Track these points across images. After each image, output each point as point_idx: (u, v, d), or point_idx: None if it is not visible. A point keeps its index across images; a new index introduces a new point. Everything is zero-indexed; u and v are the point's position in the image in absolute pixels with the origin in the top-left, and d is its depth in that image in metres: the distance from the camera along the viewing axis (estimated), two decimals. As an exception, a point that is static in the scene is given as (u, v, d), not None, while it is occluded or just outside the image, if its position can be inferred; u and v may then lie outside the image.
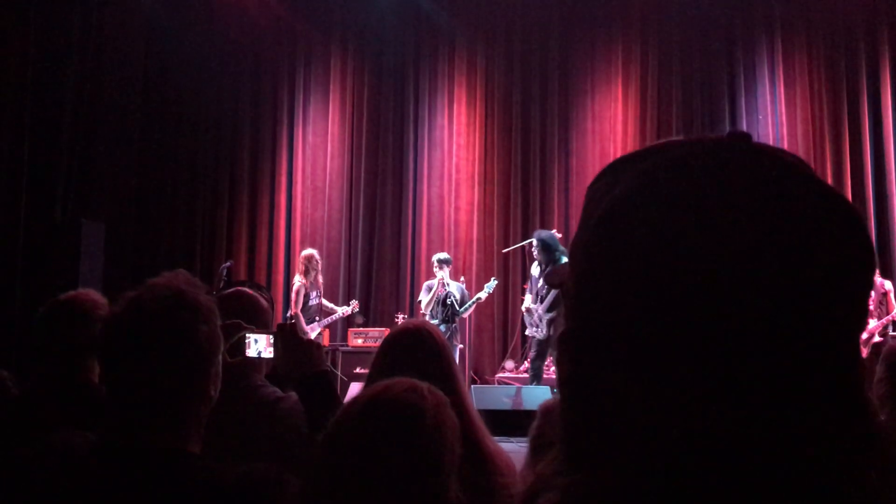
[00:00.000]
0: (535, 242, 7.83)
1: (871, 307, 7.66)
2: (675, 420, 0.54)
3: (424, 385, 1.37)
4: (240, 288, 2.51)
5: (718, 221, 0.54)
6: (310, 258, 8.56)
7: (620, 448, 0.55)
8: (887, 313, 7.60)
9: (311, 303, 8.48)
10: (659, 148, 0.62)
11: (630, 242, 0.57)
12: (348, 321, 9.81)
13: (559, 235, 8.18)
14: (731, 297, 0.53)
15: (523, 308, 8.22)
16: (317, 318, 8.56)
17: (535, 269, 8.12)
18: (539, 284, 7.85)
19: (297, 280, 8.55)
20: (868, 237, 0.58)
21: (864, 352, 7.56)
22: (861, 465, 0.54)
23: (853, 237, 0.57)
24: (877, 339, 7.54)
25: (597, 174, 0.64)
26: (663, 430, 0.54)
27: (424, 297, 8.28)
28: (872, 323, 7.60)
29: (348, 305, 8.93)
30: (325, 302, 8.77)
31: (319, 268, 8.64)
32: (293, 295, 8.46)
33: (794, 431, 0.53)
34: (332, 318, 8.85)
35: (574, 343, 0.60)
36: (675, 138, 0.62)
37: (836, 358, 0.55)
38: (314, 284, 8.51)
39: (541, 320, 7.71)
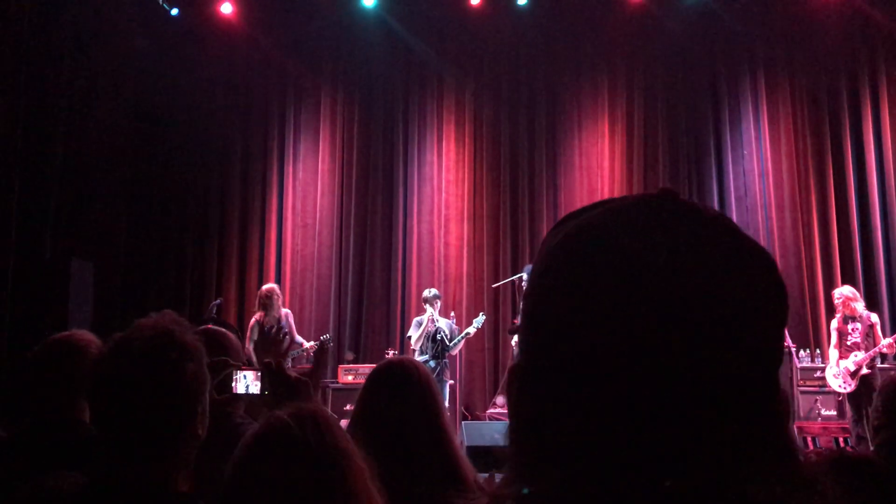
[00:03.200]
0: (524, 277, 7.91)
1: (859, 339, 7.70)
2: (601, 443, 0.61)
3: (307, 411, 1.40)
4: (209, 326, 2.51)
5: (637, 269, 0.60)
6: (267, 294, 8.49)
7: (557, 466, 0.62)
8: (874, 345, 7.64)
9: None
10: (597, 204, 0.68)
11: (558, 291, 0.64)
12: (338, 358, 9.79)
13: None
14: (647, 338, 0.59)
15: (513, 342, 8.25)
16: None
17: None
18: None
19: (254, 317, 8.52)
20: (779, 280, 0.64)
21: (854, 384, 7.59)
22: (769, 488, 0.59)
23: (764, 280, 0.63)
24: (865, 370, 7.56)
25: (550, 228, 0.71)
26: (592, 452, 0.61)
27: (414, 333, 8.28)
28: (860, 355, 7.63)
29: (317, 341, 8.83)
30: (298, 338, 8.67)
31: (279, 303, 8.54)
32: (247, 330, 8.39)
33: (705, 457, 0.59)
34: (295, 353, 8.71)
35: (519, 376, 0.68)
36: (615, 197, 0.70)
37: (749, 390, 0.61)
38: (273, 320, 8.41)
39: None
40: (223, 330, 2.44)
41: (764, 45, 10.39)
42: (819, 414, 8.20)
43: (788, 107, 10.22)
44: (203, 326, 2.47)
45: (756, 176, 10.11)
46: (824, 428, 8.11)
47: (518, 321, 6.88)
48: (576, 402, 0.62)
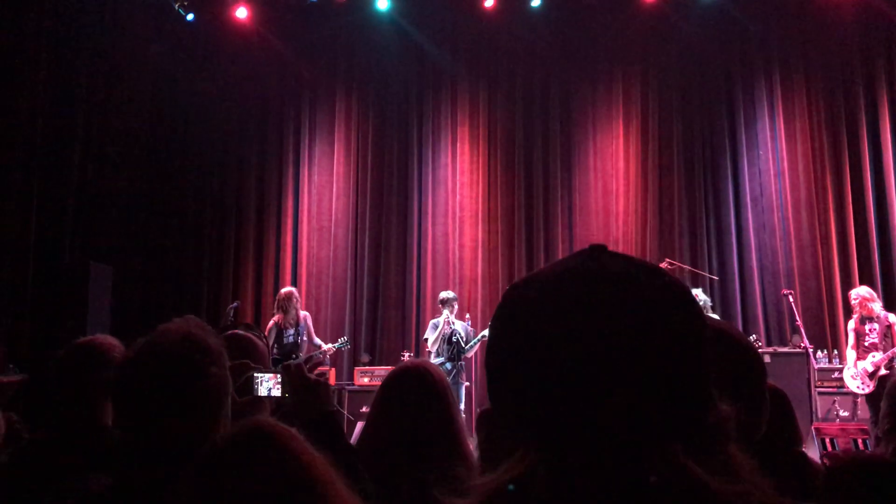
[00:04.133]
0: None
1: (877, 340, 7.65)
2: (543, 462, 0.76)
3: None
4: (236, 331, 2.53)
5: (560, 332, 0.74)
6: (286, 297, 8.58)
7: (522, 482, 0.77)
8: (892, 346, 7.59)
9: (286, 340, 8.46)
10: (535, 274, 0.83)
11: (503, 351, 0.79)
12: (353, 360, 9.82)
13: None
14: (577, 376, 0.72)
15: None
16: (294, 356, 8.54)
17: None
18: None
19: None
20: (694, 310, 0.77)
21: (872, 385, 7.54)
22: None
23: (678, 314, 0.76)
24: (883, 371, 7.51)
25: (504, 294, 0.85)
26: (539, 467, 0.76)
27: (431, 336, 8.30)
28: (878, 356, 7.58)
29: (335, 343, 8.90)
30: (316, 340, 8.73)
31: (297, 306, 8.63)
32: (266, 333, 8.46)
33: (631, 479, 0.73)
34: (314, 355, 8.77)
35: (485, 418, 0.87)
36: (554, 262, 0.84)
37: (675, 414, 0.74)
38: (291, 322, 8.49)
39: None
40: (250, 335, 2.47)
41: (778, 44, 10.34)
42: (837, 415, 8.14)
43: (804, 106, 10.16)
44: (230, 331, 2.50)
45: (772, 176, 10.06)
46: (842, 429, 8.05)
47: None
48: (527, 439, 0.77)
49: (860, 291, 7.94)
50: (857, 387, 7.70)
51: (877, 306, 7.78)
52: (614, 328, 0.73)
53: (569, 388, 0.72)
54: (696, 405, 0.75)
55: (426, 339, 8.42)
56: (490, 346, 0.81)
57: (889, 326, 7.66)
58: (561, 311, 0.75)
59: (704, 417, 0.76)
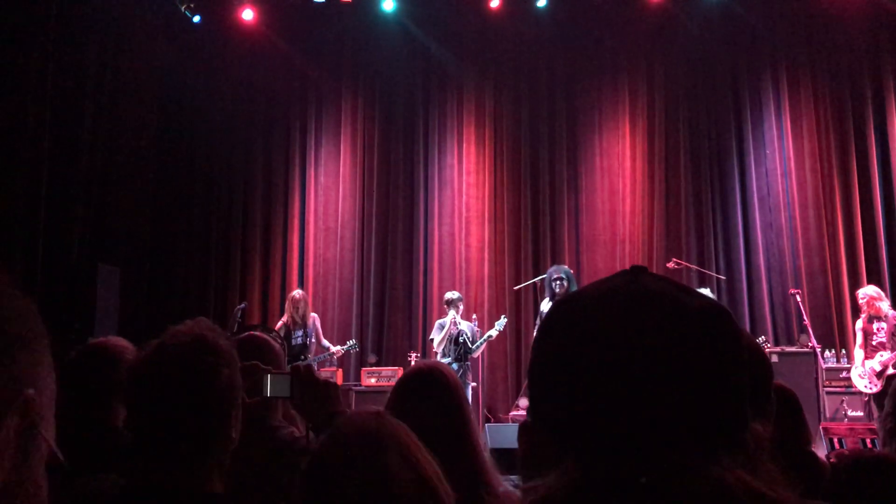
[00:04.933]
0: (563, 275, 8.08)
1: (885, 339, 7.63)
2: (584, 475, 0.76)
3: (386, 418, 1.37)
4: (252, 332, 2.56)
5: (603, 345, 0.76)
6: (296, 298, 8.63)
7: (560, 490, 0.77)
8: (901, 345, 7.57)
9: (294, 342, 8.49)
10: (582, 289, 0.86)
11: (548, 359, 0.82)
12: (360, 360, 9.84)
13: (572, 271, 8.54)
14: (619, 393, 0.74)
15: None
16: (302, 357, 8.57)
17: (544, 305, 8.26)
18: None
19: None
20: (733, 331, 0.79)
21: (880, 384, 7.52)
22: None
23: (718, 335, 0.78)
24: (890, 370, 7.50)
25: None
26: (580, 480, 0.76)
27: (437, 336, 8.31)
28: (886, 355, 7.56)
29: (344, 346, 8.92)
30: (324, 342, 8.75)
31: (306, 308, 8.67)
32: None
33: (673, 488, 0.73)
34: (322, 357, 8.81)
35: (527, 430, 0.86)
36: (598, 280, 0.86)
37: (716, 430, 0.75)
38: (299, 324, 8.53)
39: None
40: (266, 337, 2.50)
41: (785, 42, 10.32)
42: (845, 415, 8.13)
43: (811, 105, 10.14)
44: (247, 333, 2.53)
45: (779, 175, 10.04)
46: (851, 429, 8.03)
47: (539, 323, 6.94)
48: (568, 448, 0.78)
49: (868, 291, 7.92)
50: (865, 386, 7.68)
51: (885, 305, 7.76)
52: (656, 346, 0.75)
53: (611, 405, 0.75)
54: (736, 422, 0.77)
55: (432, 340, 8.43)
56: (534, 362, 0.84)
57: (897, 325, 7.65)
58: (605, 328, 0.77)
59: (743, 434, 0.77)
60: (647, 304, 0.78)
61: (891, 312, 7.75)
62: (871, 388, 7.64)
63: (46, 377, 0.73)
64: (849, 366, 8.22)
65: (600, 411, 0.75)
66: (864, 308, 7.82)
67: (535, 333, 0.88)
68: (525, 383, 9.50)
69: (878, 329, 7.69)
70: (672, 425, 0.74)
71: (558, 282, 8.06)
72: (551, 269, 8.36)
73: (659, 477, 0.73)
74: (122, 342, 2.30)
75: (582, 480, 0.76)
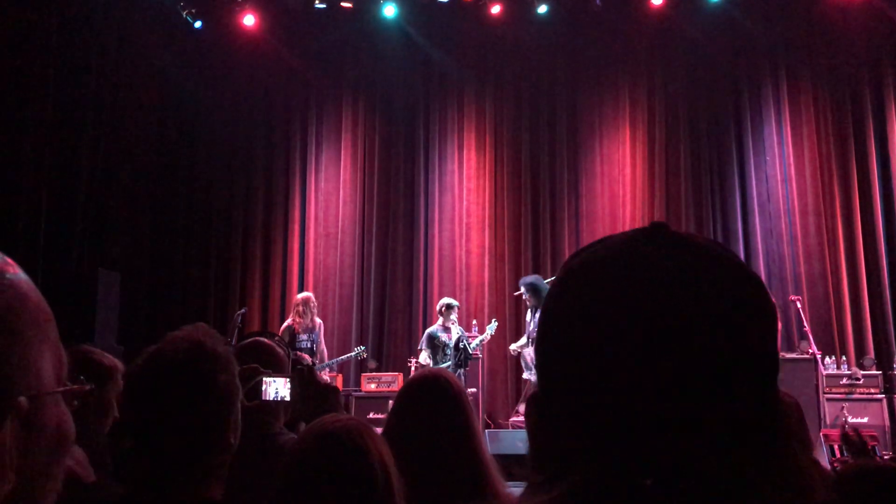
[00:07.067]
0: (523, 289, 8.11)
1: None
2: (608, 452, 0.67)
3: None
4: (257, 338, 2.56)
5: (628, 300, 0.68)
6: (304, 301, 8.57)
7: (569, 475, 0.69)
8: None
9: (299, 346, 8.45)
10: (598, 241, 0.76)
11: (563, 320, 0.72)
12: (360, 366, 9.83)
13: (539, 276, 8.68)
14: (639, 360, 0.66)
15: (511, 349, 8.72)
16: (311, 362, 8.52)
17: (528, 315, 8.37)
18: (531, 328, 8.03)
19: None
20: (764, 296, 0.71)
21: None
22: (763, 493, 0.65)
23: (746, 301, 0.70)
24: None
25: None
26: (601, 460, 0.68)
27: (425, 351, 8.26)
28: None
29: (351, 353, 8.93)
30: (323, 347, 8.72)
31: (314, 312, 8.62)
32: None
33: (701, 471, 0.65)
34: (336, 361, 8.82)
35: (535, 403, 0.75)
36: (615, 234, 0.77)
37: (738, 401, 0.67)
38: (306, 328, 8.48)
39: (534, 363, 7.73)
40: (270, 342, 2.50)
41: (785, 49, 10.33)
42: (846, 421, 8.11)
43: (811, 111, 10.14)
44: (253, 339, 2.52)
45: (779, 181, 10.04)
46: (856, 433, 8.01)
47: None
48: (583, 419, 0.69)
49: None
50: None
51: None
52: (681, 303, 0.67)
53: (628, 371, 0.66)
54: (767, 387, 0.69)
55: (420, 350, 8.40)
56: (543, 328, 0.75)
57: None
58: (623, 288, 0.69)
59: (775, 403, 0.69)
60: (669, 258, 0.70)
61: None
62: None
63: (46, 363, 0.70)
64: (849, 372, 8.20)
65: (614, 380, 0.67)
66: None
67: (543, 305, 0.77)
68: (525, 388, 9.51)
69: None
70: (698, 403, 0.65)
71: (525, 296, 8.17)
72: (520, 281, 8.53)
73: (670, 475, 0.65)
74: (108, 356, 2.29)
75: (591, 477, 0.67)
